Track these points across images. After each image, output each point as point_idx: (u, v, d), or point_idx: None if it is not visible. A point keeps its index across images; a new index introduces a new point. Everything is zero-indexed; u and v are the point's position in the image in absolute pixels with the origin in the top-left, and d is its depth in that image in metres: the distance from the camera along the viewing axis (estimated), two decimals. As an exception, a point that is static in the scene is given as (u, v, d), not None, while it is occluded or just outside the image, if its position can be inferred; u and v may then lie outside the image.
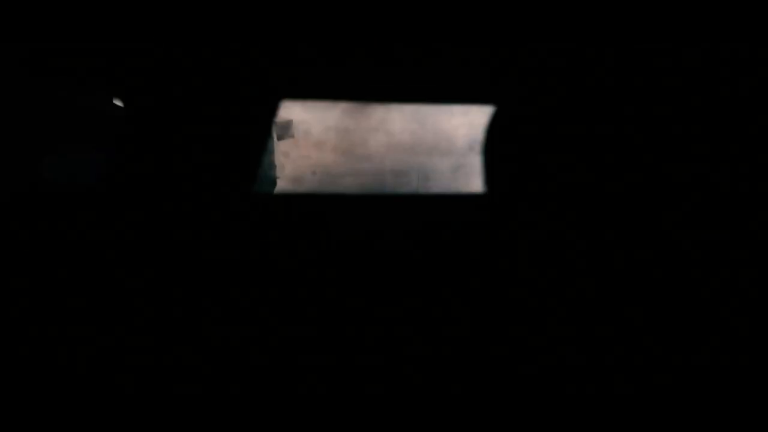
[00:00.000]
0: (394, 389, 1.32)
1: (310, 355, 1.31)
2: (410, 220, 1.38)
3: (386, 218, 1.37)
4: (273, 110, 1.45)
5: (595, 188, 1.38)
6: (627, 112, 1.38)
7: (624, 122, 1.38)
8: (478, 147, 1.71)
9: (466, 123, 1.60)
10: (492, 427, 1.30)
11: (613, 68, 1.35)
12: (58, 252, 1.24)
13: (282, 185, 1.56)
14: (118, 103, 1.29)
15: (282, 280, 1.31)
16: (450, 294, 1.35)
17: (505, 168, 1.42)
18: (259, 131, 1.43)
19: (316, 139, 1.57)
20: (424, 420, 1.31)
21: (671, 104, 1.35)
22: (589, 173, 1.39)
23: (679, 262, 1.34)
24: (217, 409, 1.28)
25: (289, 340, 1.31)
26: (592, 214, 1.38)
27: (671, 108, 1.36)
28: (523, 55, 1.35)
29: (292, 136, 1.51)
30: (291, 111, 1.54)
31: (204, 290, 1.29)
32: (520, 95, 1.40)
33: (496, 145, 1.42)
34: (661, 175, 1.36)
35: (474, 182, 1.63)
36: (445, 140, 1.59)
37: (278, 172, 1.55)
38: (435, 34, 1.28)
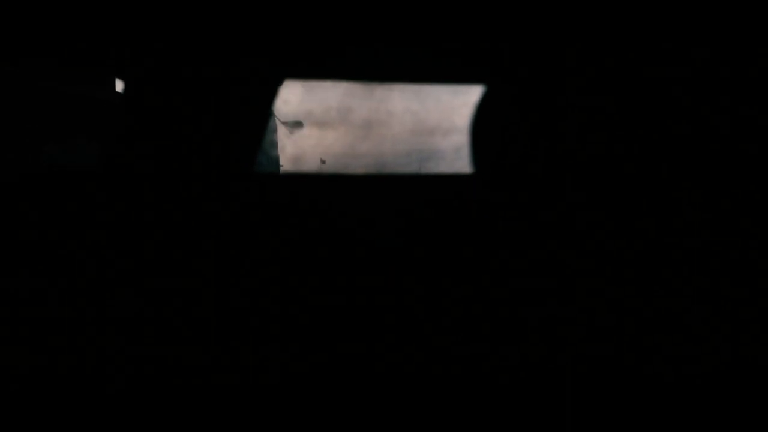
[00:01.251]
0: (394, 381, 1.35)
1: (312, 341, 1.34)
2: (412, 201, 1.39)
3: (388, 199, 1.38)
4: (274, 89, 1.44)
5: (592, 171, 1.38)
6: (619, 94, 1.37)
7: (616, 104, 1.38)
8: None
9: (468, 103, 1.59)
10: (489, 424, 1.33)
11: (607, 52, 1.33)
12: (55, 237, 1.25)
13: (283, 165, 1.57)
14: (118, 89, 1.29)
15: (282, 261, 1.33)
16: (451, 279, 1.37)
17: (498, 148, 1.42)
18: (259, 110, 1.43)
19: (318, 119, 1.57)
20: (421, 416, 1.33)
21: (664, 92, 1.34)
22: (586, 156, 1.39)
23: (672, 252, 1.35)
24: (212, 407, 1.31)
25: (289, 325, 1.34)
26: (592, 195, 1.38)
27: (664, 95, 1.35)
28: (521, 36, 1.33)
29: (301, 126, 1.53)
30: (292, 90, 1.54)
31: (203, 272, 1.31)
32: (519, 76, 1.39)
33: (489, 124, 1.41)
34: (655, 160, 1.37)
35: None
36: (446, 120, 1.59)
37: (279, 152, 1.56)
38: (435, 13, 1.27)
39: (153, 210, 1.28)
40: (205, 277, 1.31)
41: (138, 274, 1.29)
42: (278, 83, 1.42)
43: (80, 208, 1.25)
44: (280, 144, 1.60)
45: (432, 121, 1.56)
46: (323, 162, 1.53)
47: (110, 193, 1.26)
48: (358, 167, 1.50)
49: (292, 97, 1.53)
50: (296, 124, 1.57)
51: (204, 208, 1.30)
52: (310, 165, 1.56)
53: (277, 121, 1.52)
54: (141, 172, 1.28)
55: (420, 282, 1.35)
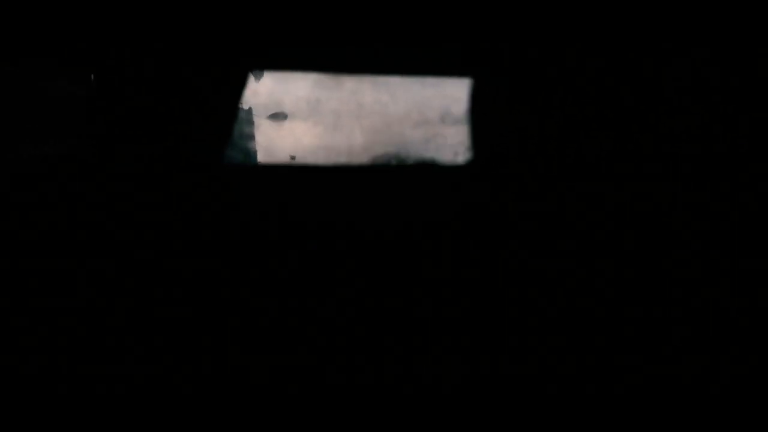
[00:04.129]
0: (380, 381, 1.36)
1: (290, 340, 1.34)
2: (383, 192, 1.40)
3: (358, 190, 1.39)
4: (243, 80, 1.42)
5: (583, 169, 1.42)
6: (611, 88, 1.40)
7: (608, 99, 1.41)
8: (449, 118, 1.74)
9: (438, 94, 1.61)
10: (485, 427, 1.34)
11: (594, 49, 1.36)
12: (35, 231, 1.22)
13: (254, 156, 1.56)
14: (91, 82, 1.26)
15: (253, 254, 1.33)
16: (428, 275, 1.38)
17: (485, 140, 1.44)
18: (229, 101, 1.41)
19: (287, 111, 1.56)
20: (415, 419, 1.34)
21: (655, 89, 1.38)
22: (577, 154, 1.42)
23: (666, 248, 1.38)
24: (198, 404, 1.30)
25: (263, 323, 1.34)
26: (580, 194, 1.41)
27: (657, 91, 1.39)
28: (501, 28, 1.35)
29: (284, 118, 1.53)
30: (260, 82, 1.52)
31: (175, 263, 1.29)
32: (495, 69, 1.41)
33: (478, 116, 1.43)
34: (645, 153, 1.40)
35: (446, 153, 1.66)
36: (416, 112, 1.60)
37: (250, 143, 1.55)
38: (408, 5, 1.27)
39: (126, 201, 1.25)
40: (175, 263, 1.29)
41: (109, 264, 1.26)
42: (248, 74, 1.41)
43: (56, 200, 1.22)
44: (249, 135, 1.58)
45: (401, 112, 1.57)
46: (293, 158, 1.53)
47: (82, 185, 1.23)
48: (328, 159, 1.51)
49: (262, 88, 1.51)
50: (280, 116, 1.57)
51: (175, 199, 1.29)
52: (281, 157, 1.55)
53: (254, 114, 1.51)
54: (112, 163, 1.25)
55: (398, 272, 1.37)
